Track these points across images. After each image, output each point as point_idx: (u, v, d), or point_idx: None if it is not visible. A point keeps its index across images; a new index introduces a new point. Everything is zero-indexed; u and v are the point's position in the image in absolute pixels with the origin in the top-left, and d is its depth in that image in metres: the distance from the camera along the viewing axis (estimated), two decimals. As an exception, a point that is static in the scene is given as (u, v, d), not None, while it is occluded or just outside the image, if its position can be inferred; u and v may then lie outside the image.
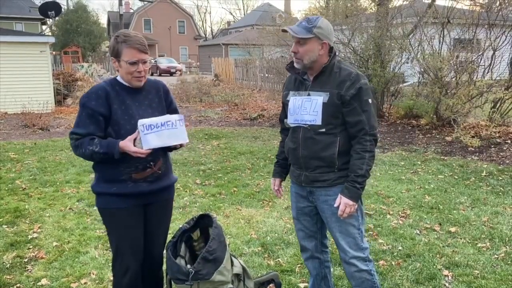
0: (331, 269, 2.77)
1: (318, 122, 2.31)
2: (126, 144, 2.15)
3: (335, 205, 2.32)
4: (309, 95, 2.36)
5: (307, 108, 2.35)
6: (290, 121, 2.45)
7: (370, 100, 2.30)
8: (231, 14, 76.21)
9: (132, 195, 2.30)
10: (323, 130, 2.31)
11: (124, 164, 2.24)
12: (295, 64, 2.38)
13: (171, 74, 32.48)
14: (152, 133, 2.14)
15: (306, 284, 3.13)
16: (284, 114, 2.57)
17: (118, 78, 2.32)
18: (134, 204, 2.33)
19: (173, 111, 2.45)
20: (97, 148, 2.16)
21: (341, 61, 2.43)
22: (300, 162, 2.42)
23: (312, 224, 2.56)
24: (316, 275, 2.68)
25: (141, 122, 2.14)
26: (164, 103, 2.43)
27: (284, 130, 2.63)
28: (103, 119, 2.21)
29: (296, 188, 2.55)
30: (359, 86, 2.27)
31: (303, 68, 2.36)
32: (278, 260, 3.54)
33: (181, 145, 2.28)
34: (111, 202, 2.30)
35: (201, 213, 2.63)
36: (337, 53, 2.44)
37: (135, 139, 2.17)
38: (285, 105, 2.52)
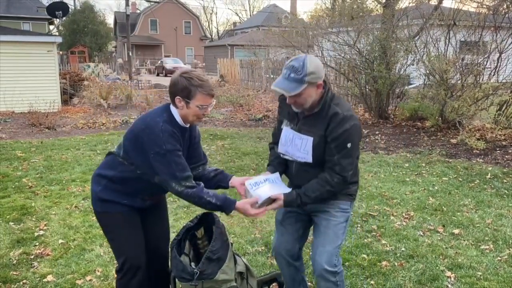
0: (306, 271, 2.83)
1: (309, 160, 2.31)
2: (245, 207, 2.26)
3: (274, 196, 2.31)
4: (299, 132, 2.33)
5: (298, 145, 2.34)
6: (281, 150, 2.44)
7: (349, 145, 2.22)
8: (237, 15, 76.34)
9: (138, 208, 2.44)
10: (316, 165, 2.31)
11: (144, 192, 2.38)
12: (294, 109, 2.32)
13: (177, 74, 32.54)
14: (259, 188, 2.33)
15: (309, 283, 3.14)
16: (279, 132, 2.49)
17: (174, 114, 2.26)
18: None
19: (197, 142, 2.51)
20: (214, 200, 2.23)
21: (335, 96, 2.31)
22: (294, 183, 2.48)
23: (294, 230, 2.57)
24: (292, 280, 2.70)
25: (248, 182, 2.34)
26: (191, 142, 2.44)
27: (275, 145, 2.56)
28: None
29: None
30: (342, 130, 2.20)
31: (304, 111, 2.31)
32: (281, 260, 3.55)
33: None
34: (117, 207, 2.37)
35: (205, 211, 2.66)
36: (330, 88, 2.33)
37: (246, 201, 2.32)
38: (279, 131, 2.48)
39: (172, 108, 2.27)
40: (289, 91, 2.17)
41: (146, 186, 2.33)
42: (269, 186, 2.36)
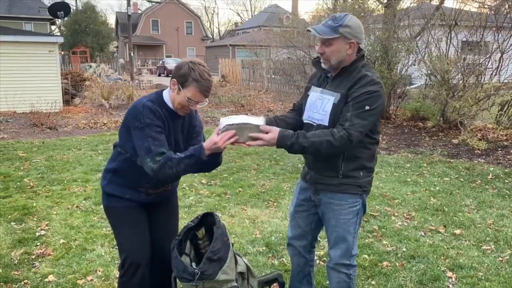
0: (314, 268, 2.81)
1: (325, 123, 2.25)
2: (211, 140, 2.15)
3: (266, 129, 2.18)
4: (322, 92, 2.31)
5: (318, 107, 2.31)
6: (304, 116, 2.41)
7: (367, 107, 2.16)
8: (239, 15, 76.36)
9: (142, 203, 2.45)
10: None
11: (145, 182, 2.35)
12: (322, 65, 2.30)
13: (178, 74, 32.55)
14: (228, 119, 2.19)
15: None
16: (301, 101, 2.51)
17: (165, 96, 2.30)
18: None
19: (197, 131, 2.49)
20: (183, 154, 2.17)
21: (367, 64, 2.30)
22: (308, 161, 2.45)
23: (306, 224, 2.58)
24: (299, 271, 2.71)
25: (222, 119, 2.21)
26: (189, 132, 2.44)
27: (292, 111, 2.58)
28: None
29: (303, 184, 2.56)
30: (364, 91, 2.17)
31: (331, 69, 2.29)
32: (282, 260, 3.56)
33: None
34: (121, 202, 2.39)
35: (206, 211, 2.66)
36: (365, 57, 2.29)
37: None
38: (305, 98, 2.46)
39: (166, 92, 2.31)
40: (321, 33, 2.21)
41: (145, 175, 2.27)
42: (239, 118, 2.18)
